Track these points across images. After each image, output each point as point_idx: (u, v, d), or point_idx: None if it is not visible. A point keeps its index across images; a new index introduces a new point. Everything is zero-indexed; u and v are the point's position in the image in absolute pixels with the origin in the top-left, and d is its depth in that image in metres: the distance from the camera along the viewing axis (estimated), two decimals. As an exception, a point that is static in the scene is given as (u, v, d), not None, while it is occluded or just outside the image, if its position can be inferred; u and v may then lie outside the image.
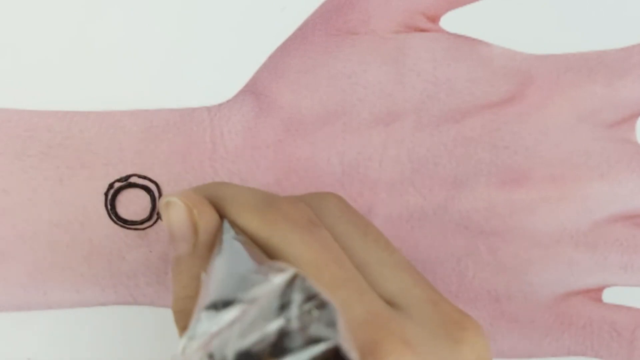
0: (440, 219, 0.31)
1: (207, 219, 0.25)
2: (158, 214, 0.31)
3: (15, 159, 0.31)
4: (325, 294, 0.19)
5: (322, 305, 0.19)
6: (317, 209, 0.25)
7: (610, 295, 0.31)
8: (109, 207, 0.30)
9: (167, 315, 0.31)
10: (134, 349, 0.31)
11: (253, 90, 0.32)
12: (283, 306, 0.19)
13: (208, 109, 0.32)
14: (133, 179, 0.31)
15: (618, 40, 0.32)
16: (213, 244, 0.25)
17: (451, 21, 0.32)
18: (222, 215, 0.25)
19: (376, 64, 0.32)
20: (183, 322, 0.24)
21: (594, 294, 0.31)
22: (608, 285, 0.31)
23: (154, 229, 0.31)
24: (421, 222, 0.31)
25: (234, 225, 0.25)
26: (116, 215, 0.30)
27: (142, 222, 0.31)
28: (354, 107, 0.31)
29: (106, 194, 0.31)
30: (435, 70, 0.32)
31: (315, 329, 0.18)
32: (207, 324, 0.20)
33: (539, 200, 0.31)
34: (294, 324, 0.19)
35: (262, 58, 0.32)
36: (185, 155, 0.31)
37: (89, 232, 0.30)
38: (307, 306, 0.19)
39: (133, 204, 0.31)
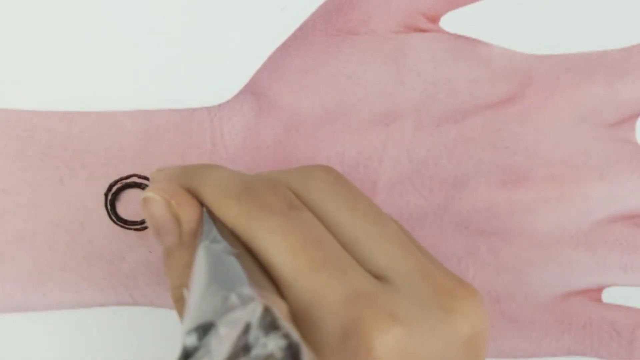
0: (441, 219, 0.31)
1: (188, 208, 0.25)
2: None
3: (15, 159, 0.31)
4: (293, 333, 0.19)
5: (289, 346, 0.19)
6: (303, 185, 0.25)
7: (610, 295, 0.31)
8: (109, 207, 0.30)
9: (166, 316, 0.31)
10: (134, 350, 0.31)
11: (253, 90, 0.32)
12: (253, 343, 0.19)
13: (208, 109, 0.31)
14: (133, 179, 0.31)
15: (618, 40, 0.32)
16: (197, 231, 0.25)
17: (451, 21, 0.32)
18: (201, 202, 0.25)
19: (376, 64, 0.31)
20: (182, 308, 0.24)
21: (594, 294, 0.31)
22: (608, 285, 0.31)
23: (154, 229, 0.31)
24: (421, 222, 0.31)
25: (212, 214, 0.25)
26: (116, 215, 0.30)
27: (142, 222, 0.31)
28: (354, 107, 0.31)
29: (106, 195, 0.31)
30: (435, 70, 0.32)
31: None
32: (190, 349, 0.20)
33: (539, 200, 0.31)
34: None
35: (262, 58, 0.32)
36: (186, 155, 0.31)
37: (89, 232, 0.30)
38: (273, 345, 0.19)
39: (133, 204, 0.31)
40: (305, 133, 0.31)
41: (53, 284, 0.30)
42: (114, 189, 0.31)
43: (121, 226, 0.30)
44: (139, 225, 0.31)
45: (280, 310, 0.20)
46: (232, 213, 0.24)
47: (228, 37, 0.33)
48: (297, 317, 0.22)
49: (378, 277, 0.23)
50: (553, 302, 0.31)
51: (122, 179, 0.31)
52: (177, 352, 0.20)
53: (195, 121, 0.31)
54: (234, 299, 0.20)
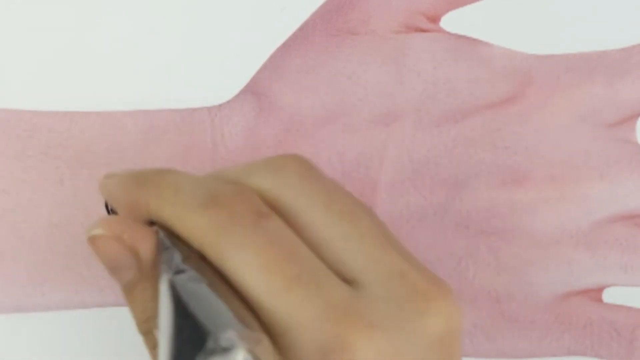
0: (441, 219, 0.31)
1: (143, 238, 0.23)
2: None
3: (15, 159, 0.31)
4: None
5: None
6: (273, 182, 0.24)
7: (610, 295, 0.31)
8: (109, 207, 0.30)
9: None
10: (132, 351, 0.31)
11: (253, 90, 0.32)
12: None
13: (208, 109, 0.31)
14: (133, 179, 0.31)
15: (618, 40, 0.32)
16: (156, 260, 0.23)
17: (451, 21, 0.32)
18: (155, 218, 0.23)
19: (376, 64, 0.31)
20: (152, 341, 0.23)
21: (594, 294, 0.31)
22: (608, 286, 0.31)
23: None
24: (421, 223, 0.31)
25: (172, 236, 0.23)
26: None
27: (142, 222, 0.30)
28: (354, 107, 0.31)
29: (106, 194, 0.30)
30: (435, 70, 0.32)
31: None
32: None
33: (539, 200, 0.31)
34: None
35: (263, 58, 0.32)
36: (186, 155, 0.31)
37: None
38: None
39: (133, 204, 0.31)
40: (306, 133, 0.31)
41: (52, 284, 0.30)
42: (114, 189, 0.30)
43: (121, 226, 0.30)
44: (139, 225, 0.30)
45: (264, 349, 0.20)
46: (198, 227, 0.22)
47: (228, 37, 0.33)
48: (276, 338, 0.21)
49: (353, 281, 0.23)
50: (553, 302, 0.31)
51: (122, 179, 0.31)
52: None
53: (195, 121, 0.31)
54: (211, 344, 0.19)
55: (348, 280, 0.23)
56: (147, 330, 0.23)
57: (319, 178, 0.24)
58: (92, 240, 0.23)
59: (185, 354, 0.19)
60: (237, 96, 0.32)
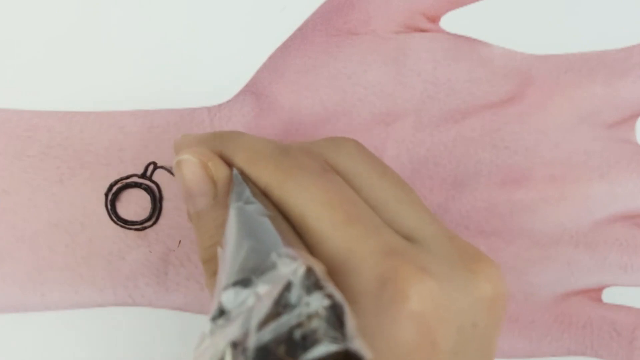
0: (441, 219, 0.31)
1: (222, 170, 0.25)
2: (159, 213, 0.31)
3: (15, 159, 0.31)
4: (336, 293, 0.19)
5: (333, 305, 0.19)
6: (334, 152, 0.26)
7: (610, 295, 0.31)
8: (109, 207, 0.30)
9: (164, 317, 0.31)
10: (131, 351, 0.31)
11: (253, 90, 0.32)
12: (295, 302, 0.19)
13: (208, 109, 0.31)
14: (133, 179, 0.31)
15: (618, 40, 0.32)
16: (229, 192, 0.25)
17: (451, 21, 0.32)
18: (230, 166, 0.26)
19: (376, 64, 0.31)
20: (212, 268, 0.24)
21: (594, 294, 0.31)
22: (608, 285, 0.31)
23: (154, 229, 0.31)
24: (421, 223, 0.31)
25: (244, 175, 0.25)
26: (116, 215, 0.30)
27: (141, 222, 0.31)
28: (354, 107, 0.31)
29: (106, 194, 0.30)
30: (435, 70, 0.32)
31: (324, 331, 0.18)
32: (227, 305, 0.20)
33: (539, 200, 0.31)
34: (306, 324, 0.19)
35: (262, 58, 0.32)
36: (186, 155, 0.31)
37: (89, 232, 0.30)
38: (317, 304, 0.19)
39: (133, 204, 0.31)
40: (305, 133, 0.31)
41: (51, 284, 0.30)
42: (115, 189, 0.31)
43: (121, 226, 0.30)
44: (139, 225, 0.30)
45: (320, 271, 0.20)
46: (267, 172, 0.24)
47: (228, 37, 0.33)
48: (332, 268, 0.22)
49: (407, 237, 0.24)
50: (553, 302, 0.31)
51: (122, 179, 0.31)
52: (212, 307, 0.20)
53: (195, 121, 0.31)
54: (274, 257, 0.20)
55: (400, 234, 0.24)
56: (210, 257, 0.24)
57: (372, 155, 0.26)
58: (179, 164, 0.25)
59: (247, 268, 0.20)
60: (237, 96, 0.32)
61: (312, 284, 0.19)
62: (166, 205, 0.31)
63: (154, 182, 0.31)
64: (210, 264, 0.24)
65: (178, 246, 0.31)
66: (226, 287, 0.20)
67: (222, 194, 0.25)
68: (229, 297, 0.20)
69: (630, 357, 0.31)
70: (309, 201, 0.23)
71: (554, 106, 0.32)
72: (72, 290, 0.30)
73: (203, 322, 0.24)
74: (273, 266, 0.20)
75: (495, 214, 0.31)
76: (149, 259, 0.30)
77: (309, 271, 0.20)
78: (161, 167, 0.31)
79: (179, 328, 0.31)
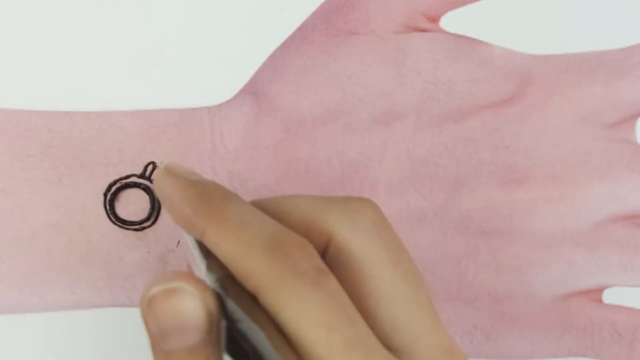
0: (441, 219, 0.31)
1: (213, 297, 0.22)
2: (157, 213, 0.31)
3: (15, 159, 0.31)
4: None
5: None
6: (349, 226, 0.23)
7: (610, 296, 0.31)
8: (108, 207, 0.30)
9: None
10: (129, 352, 0.31)
11: (253, 90, 0.32)
12: None
13: (208, 109, 0.31)
14: (133, 179, 0.31)
15: (618, 40, 0.32)
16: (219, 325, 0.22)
17: (451, 21, 0.32)
18: (208, 244, 0.23)
19: (376, 64, 0.31)
20: None
21: (594, 294, 0.31)
22: (608, 286, 0.31)
23: (152, 229, 0.31)
24: (421, 223, 0.31)
25: (227, 279, 0.22)
26: (115, 215, 0.30)
27: (140, 222, 0.31)
28: (354, 107, 0.31)
29: (105, 194, 0.30)
30: (435, 70, 0.32)
31: None
32: None
33: (540, 200, 0.31)
34: None
35: (262, 58, 0.32)
36: (185, 155, 0.31)
37: (87, 232, 0.30)
38: None
39: (132, 204, 0.31)
40: (305, 133, 0.31)
41: (49, 285, 0.30)
42: (114, 189, 0.31)
43: (120, 226, 0.30)
44: (137, 225, 0.30)
45: None
46: (258, 274, 0.21)
47: (228, 37, 0.33)
48: None
49: (401, 350, 0.22)
50: (553, 303, 0.31)
51: (121, 179, 0.31)
52: None
53: (195, 121, 0.31)
54: None
55: (394, 348, 0.22)
56: None
57: (390, 231, 0.24)
58: (171, 292, 0.22)
59: None
60: (237, 96, 0.32)
61: None
62: (166, 205, 0.31)
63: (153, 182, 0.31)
64: None
65: (177, 246, 0.31)
66: None
67: (217, 327, 0.22)
68: None
69: (631, 358, 0.31)
70: (305, 320, 0.21)
71: (554, 106, 0.32)
72: (70, 291, 0.30)
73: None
74: None
75: (495, 214, 0.31)
76: (148, 260, 0.30)
77: None
78: None
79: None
